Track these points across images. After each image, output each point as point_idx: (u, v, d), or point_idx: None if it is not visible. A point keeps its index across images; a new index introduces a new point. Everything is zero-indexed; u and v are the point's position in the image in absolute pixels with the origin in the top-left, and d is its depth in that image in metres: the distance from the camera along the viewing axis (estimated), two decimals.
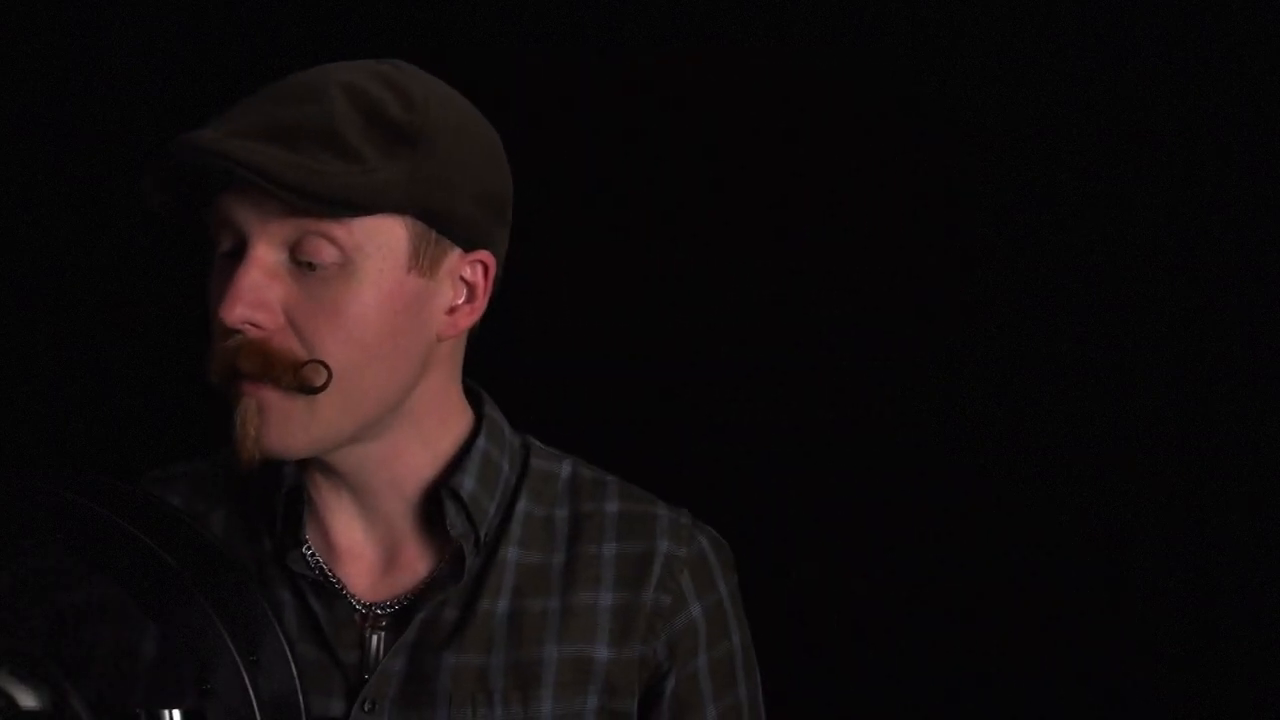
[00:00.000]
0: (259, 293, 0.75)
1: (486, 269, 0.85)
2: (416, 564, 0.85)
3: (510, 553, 0.85)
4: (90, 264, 1.84)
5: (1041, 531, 1.50)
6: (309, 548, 0.84)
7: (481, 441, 0.87)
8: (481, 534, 0.84)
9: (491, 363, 0.93)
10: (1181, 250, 1.52)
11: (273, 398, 0.76)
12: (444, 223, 0.81)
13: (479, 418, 0.89)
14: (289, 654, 0.69)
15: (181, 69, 1.82)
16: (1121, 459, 1.51)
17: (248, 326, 0.76)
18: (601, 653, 0.83)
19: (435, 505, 0.84)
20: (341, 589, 0.84)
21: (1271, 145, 1.53)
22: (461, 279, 0.83)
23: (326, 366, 0.76)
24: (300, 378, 0.76)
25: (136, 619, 0.64)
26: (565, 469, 0.91)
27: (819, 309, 1.52)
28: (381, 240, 0.78)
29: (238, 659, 0.65)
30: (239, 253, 0.77)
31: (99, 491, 0.68)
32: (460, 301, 0.84)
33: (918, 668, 1.52)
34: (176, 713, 0.62)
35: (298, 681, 0.69)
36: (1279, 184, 1.52)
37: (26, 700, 0.63)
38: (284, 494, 0.85)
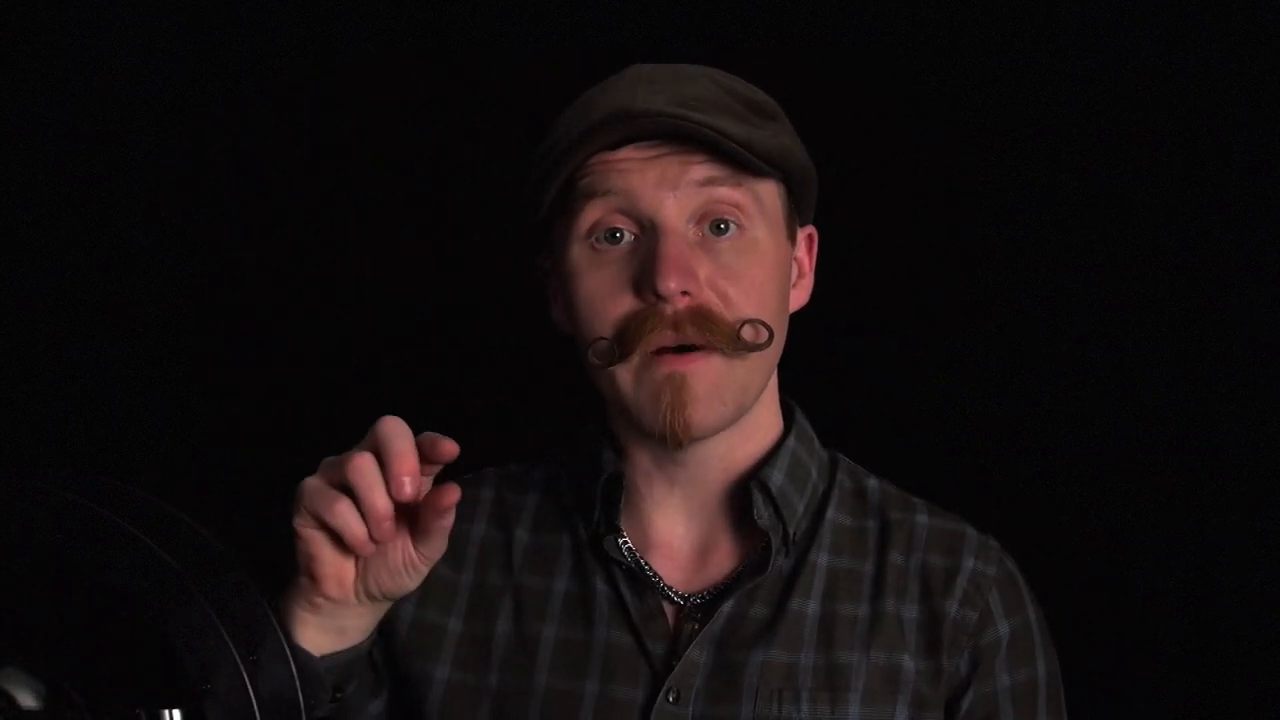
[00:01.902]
0: (686, 261, 0.78)
1: (813, 244, 0.88)
2: (726, 559, 0.86)
3: (821, 557, 0.86)
4: (90, 264, 1.84)
5: (1042, 532, 1.50)
6: (624, 537, 0.85)
7: (791, 442, 0.88)
8: (790, 530, 0.85)
9: None
10: (1182, 250, 1.52)
11: (712, 364, 0.78)
12: (798, 192, 0.85)
13: (789, 422, 0.90)
14: (289, 654, 0.69)
15: (181, 69, 1.83)
16: (1121, 459, 1.51)
17: (679, 296, 0.77)
18: (909, 664, 0.83)
19: (745, 499, 0.85)
20: (656, 579, 0.85)
21: (1272, 145, 1.53)
22: (796, 255, 0.87)
23: (766, 325, 0.78)
24: (742, 339, 0.78)
25: (136, 619, 0.64)
26: (874, 483, 0.93)
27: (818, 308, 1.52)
28: (769, 207, 0.83)
29: (238, 659, 0.65)
30: (616, 233, 0.80)
31: (99, 491, 0.68)
32: (796, 277, 0.86)
33: None
34: (176, 713, 0.63)
35: (298, 681, 0.69)
36: (1279, 184, 1.52)
37: (26, 700, 0.63)
38: (604, 481, 0.86)
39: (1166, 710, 1.47)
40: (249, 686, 0.64)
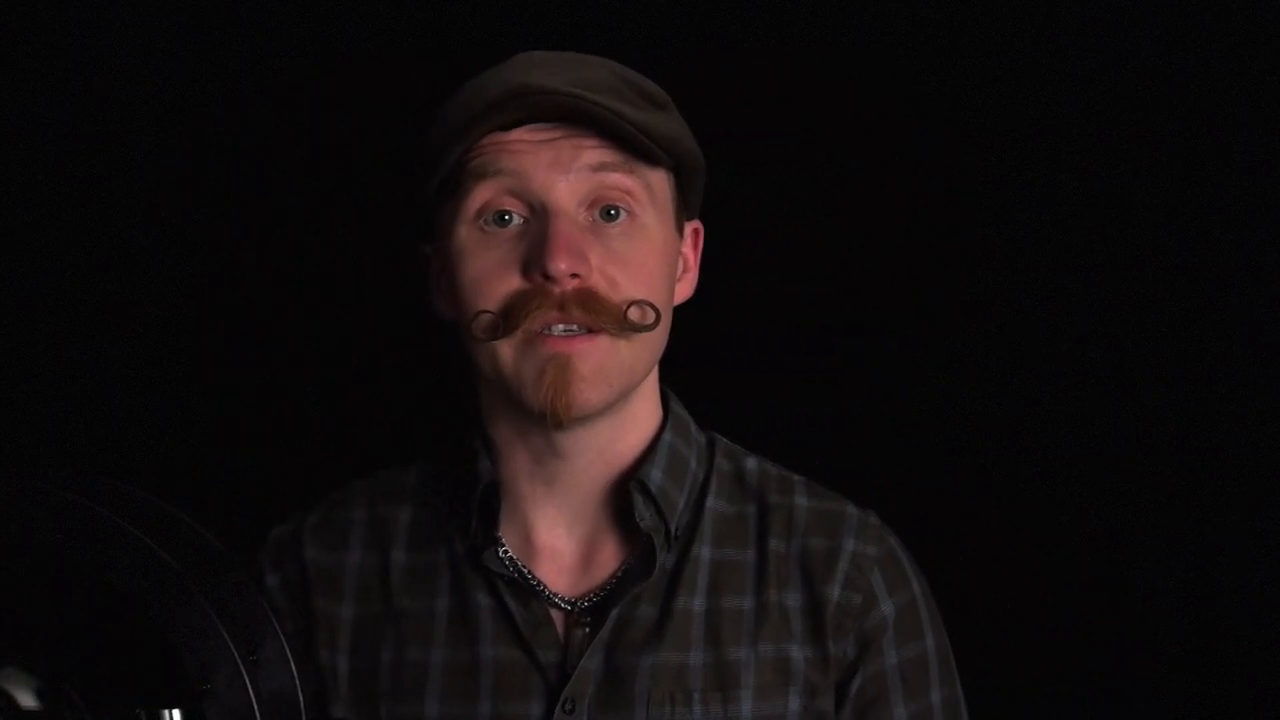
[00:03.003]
0: (576, 244, 0.78)
1: (698, 239, 0.88)
2: (610, 559, 0.85)
3: (704, 550, 0.85)
4: (90, 264, 1.84)
5: (1041, 531, 1.50)
6: (504, 547, 0.84)
7: (668, 435, 0.87)
8: (672, 528, 0.85)
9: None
10: (1182, 250, 1.52)
11: (598, 344, 0.79)
12: (686, 183, 0.85)
13: (665, 413, 0.90)
14: (289, 654, 0.70)
15: (181, 69, 1.83)
16: (1121, 459, 1.51)
17: (568, 278, 0.77)
18: (798, 653, 0.83)
19: (626, 499, 0.84)
20: (540, 587, 0.84)
21: (1272, 145, 1.53)
22: (682, 249, 0.88)
23: (654, 306, 0.78)
24: (629, 320, 0.78)
25: (136, 619, 0.64)
26: (751, 465, 0.91)
27: (820, 309, 1.52)
28: (659, 196, 0.83)
29: (238, 659, 0.65)
30: (505, 216, 0.80)
31: (99, 491, 0.68)
32: (682, 270, 0.87)
33: None
34: (176, 713, 0.63)
35: (298, 681, 0.69)
36: (1279, 184, 1.52)
37: (26, 700, 0.63)
38: (480, 491, 0.85)
39: (1166, 710, 1.47)
40: (249, 686, 0.64)
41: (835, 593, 0.84)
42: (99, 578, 0.65)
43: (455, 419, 1.30)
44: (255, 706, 0.63)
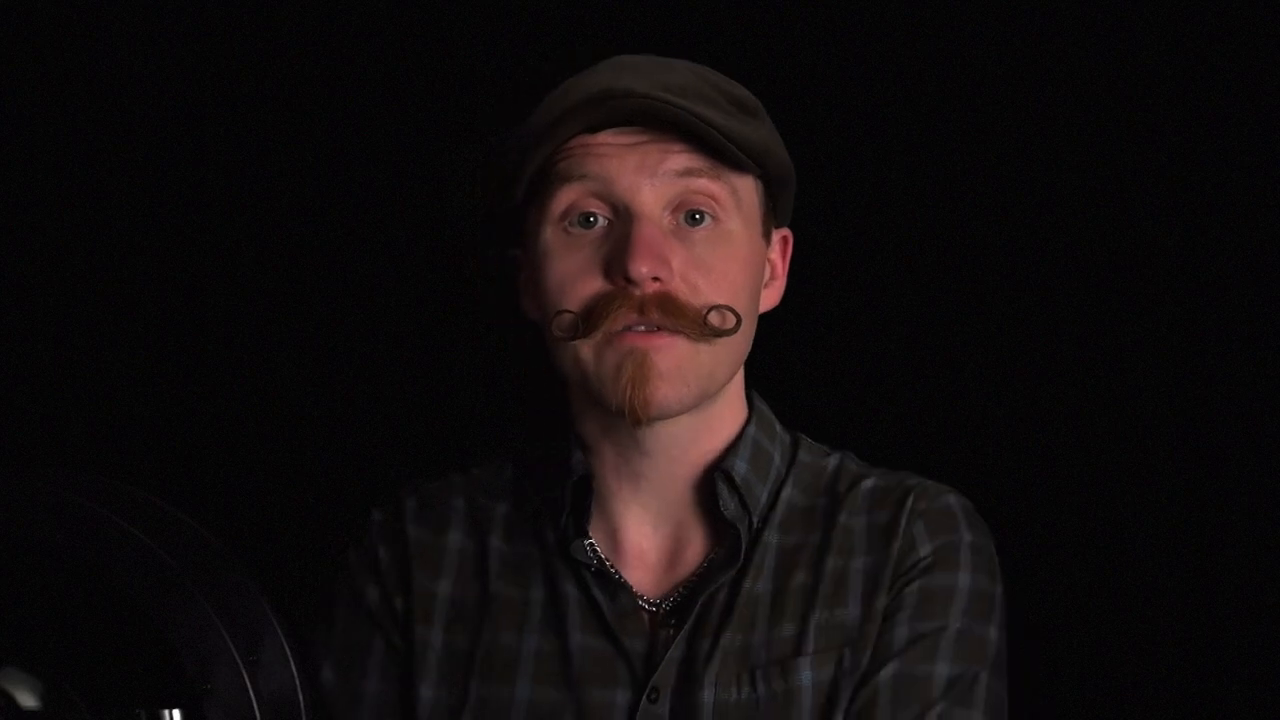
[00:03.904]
0: (659, 248, 0.79)
1: (787, 246, 0.87)
2: (694, 556, 0.87)
3: (773, 536, 0.87)
4: (90, 264, 1.84)
5: (1041, 530, 1.50)
6: (591, 541, 0.86)
7: (753, 429, 0.89)
8: (755, 519, 0.86)
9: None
10: (1182, 251, 1.52)
11: (676, 344, 0.80)
12: (775, 191, 0.86)
13: (750, 410, 0.91)
14: (289, 654, 0.70)
15: (181, 69, 1.83)
16: (1121, 459, 1.51)
17: (649, 281, 0.78)
18: (853, 612, 0.83)
19: (710, 493, 0.86)
20: (624, 583, 0.86)
21: (1272, 145, 1.52)
22: (770, 256, 0.88)
23: (735, 312, 0.78)
24: (709, 324, 0.79)
25: (136, 619, 0.64)
26: (833, 461, 0.92)
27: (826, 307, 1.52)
28: (745, 202, 0.84)
29: (238, 659, 0.65)
30: (591, 218, 0.81)
31: (99, 491, 0.69)
32: (769, 278, 0.86)
33: None
34: (176, 713, 0.63)
35: (298, 681, 0.69)
36: (1279, 184, 1.52)
37: (26, 700, 0.63)
38: (572, 485, 0.86)
39: (1166, 710, 1.47)
40: (249, 686, 0.64)
41: (895, 549, 0.85)
42: (99, 578, 0.65)
43: (457, 417, 1.30)
44: (255, 706, 0.64)
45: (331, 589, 0.91)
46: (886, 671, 0.82)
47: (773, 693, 0.82)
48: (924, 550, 0.85)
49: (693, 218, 0.82)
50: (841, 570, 0.85)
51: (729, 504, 0.85)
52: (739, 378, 0.90)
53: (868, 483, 0.89)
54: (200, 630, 0.64)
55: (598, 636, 0.85)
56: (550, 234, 0.83)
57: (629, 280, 0.79)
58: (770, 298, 0.91)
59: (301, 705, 0.68)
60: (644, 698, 0.83)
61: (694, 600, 0.85)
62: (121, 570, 0.65)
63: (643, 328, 0.80)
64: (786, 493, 0.89)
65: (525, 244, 0.87)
